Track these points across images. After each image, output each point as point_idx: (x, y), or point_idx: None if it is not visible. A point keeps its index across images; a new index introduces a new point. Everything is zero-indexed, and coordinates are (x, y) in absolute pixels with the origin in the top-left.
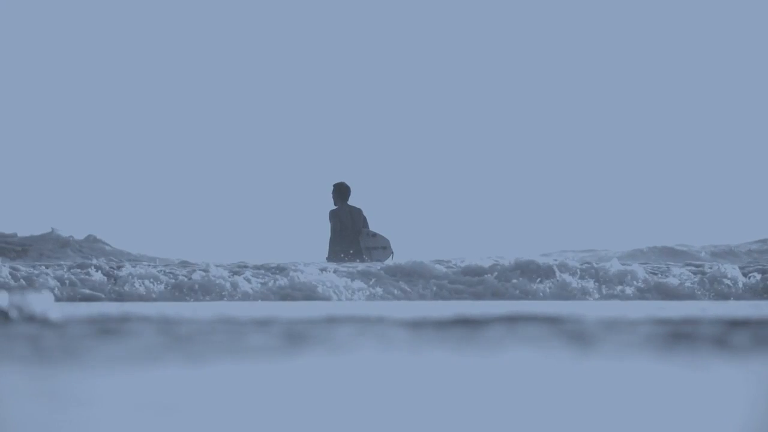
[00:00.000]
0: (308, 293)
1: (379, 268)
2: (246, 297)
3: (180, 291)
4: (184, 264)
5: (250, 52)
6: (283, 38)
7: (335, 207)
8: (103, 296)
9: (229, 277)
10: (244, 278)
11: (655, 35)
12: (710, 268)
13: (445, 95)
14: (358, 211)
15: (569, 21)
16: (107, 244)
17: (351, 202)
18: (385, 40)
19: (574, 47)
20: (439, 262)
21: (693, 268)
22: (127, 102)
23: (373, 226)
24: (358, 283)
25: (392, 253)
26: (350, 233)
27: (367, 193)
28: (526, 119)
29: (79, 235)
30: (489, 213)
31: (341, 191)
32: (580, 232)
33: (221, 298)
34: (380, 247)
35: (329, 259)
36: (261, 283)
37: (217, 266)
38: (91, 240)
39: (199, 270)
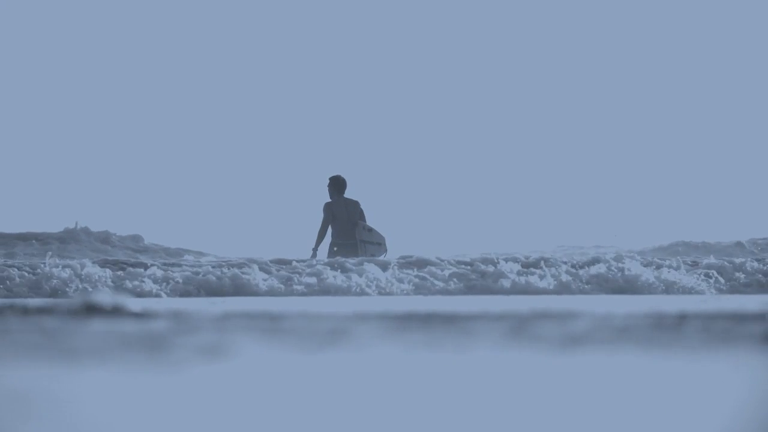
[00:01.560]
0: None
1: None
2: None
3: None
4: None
5: (252, 52)
6: (284, 39)
7: (330, 200)
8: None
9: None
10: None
11: (683, 19)
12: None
13: (447, 87)
14: (355, 204)
15: (592, 6)
16: (148, 240)
17: (349, 195)
18: (386, 40)
19: (583, 35)
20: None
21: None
22: (127, 101)
23: (370, 221)
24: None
25: (386, 250)
26: (345, 225)
27: (366, 187)
28: (542, 110)
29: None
30: (490, 210)
31: (337, 184)
32: (580, 229)
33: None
34: (375, 242)
35: (315, 248)
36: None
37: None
38: (136, 237)
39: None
